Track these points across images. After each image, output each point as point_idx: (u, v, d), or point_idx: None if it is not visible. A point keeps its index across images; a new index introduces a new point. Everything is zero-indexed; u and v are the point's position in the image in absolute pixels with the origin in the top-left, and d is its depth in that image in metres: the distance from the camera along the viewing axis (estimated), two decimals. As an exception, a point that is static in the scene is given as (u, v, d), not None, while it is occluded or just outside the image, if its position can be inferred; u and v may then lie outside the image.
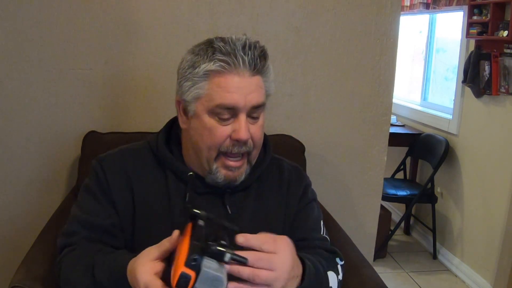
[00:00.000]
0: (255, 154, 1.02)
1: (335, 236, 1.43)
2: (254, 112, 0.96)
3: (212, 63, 0.92)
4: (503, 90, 2.51)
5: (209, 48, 0.94)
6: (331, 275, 0.97)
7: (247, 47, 0.92)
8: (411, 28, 3.98)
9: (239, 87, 0.92)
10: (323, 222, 1.12)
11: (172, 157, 1.04)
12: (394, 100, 2.10)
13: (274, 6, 1.68)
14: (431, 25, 3.59)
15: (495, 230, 2.61)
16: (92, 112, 1.65)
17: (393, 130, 3.20)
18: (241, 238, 0.76)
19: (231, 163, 0.97)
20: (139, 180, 1.03)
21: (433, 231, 3.10)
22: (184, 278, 0.69)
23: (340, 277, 1.02)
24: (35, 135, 1.64)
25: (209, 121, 0.94)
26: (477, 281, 2.75)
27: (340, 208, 1.86)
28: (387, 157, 1.89)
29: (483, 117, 2.74)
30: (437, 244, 3.13)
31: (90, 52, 1.60)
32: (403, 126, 3.56)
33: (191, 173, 1.02)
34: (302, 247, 1.02)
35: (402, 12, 2.12)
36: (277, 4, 1.68)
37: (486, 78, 2.60)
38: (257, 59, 0.93)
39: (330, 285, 0.96)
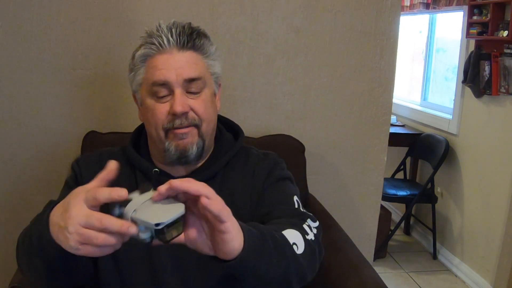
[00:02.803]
0: (206, 128, 1.02)
1: (335, 236, 1.43)
2: (190, 86, 0.99)
3: (142, 48, 0.99)
4: (503, 90, 2.51)
5: (142, 37, 1.01)
6: (290, 232, 0.90)
7: (173, 28, 0.98)
8: (411, 28, 3.98)
9: (168, 63, 0.97)
10: (298, 198, 1.07)
11: (138, 156, 1.07)
12: (394, 100, 2.10)
13: (274, 6, 1.68)
14: (431, 25, 3.59)
15: (495, 230, 2.61)
16: (92, 112, 1.65)
17: (393, 130, 3.20)
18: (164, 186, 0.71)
19: (178, 131, 0.99)
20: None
21: (433, 231, 3.10)
22: None
23: (311, 236, 0.95)
24: (35, 135, 1.64)
25: (150, 102, 1.00)
26: (477, 281, 2.75)
27: (340, 208, 1.86)
28: (387, 157, 1.89)
29: (483, 117, 2.74)
30: (437, 244, 3.13)
31: (90, 52, 1.60)
32: (403, 126, 3.56)
33: (155, 169, 1.05)
34: (266, 221, 0.98)
35: (402, 12, 2.12)
36: (277, 4, 1.68)
37: (486, 78, 2.60)
38: (186, 36, 0.98)
39: (292, 242, 0.89)
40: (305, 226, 0.97)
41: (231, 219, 0.73)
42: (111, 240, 0.69)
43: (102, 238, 0.69)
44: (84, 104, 1.64)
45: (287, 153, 1.58)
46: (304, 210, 1.04)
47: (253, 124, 1.73)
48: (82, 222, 0.69)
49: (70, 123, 1.65)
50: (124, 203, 0.71)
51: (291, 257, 0.86)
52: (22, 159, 1.65)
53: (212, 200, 0.70)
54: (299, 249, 0.89)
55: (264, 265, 0.80)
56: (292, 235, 0.90)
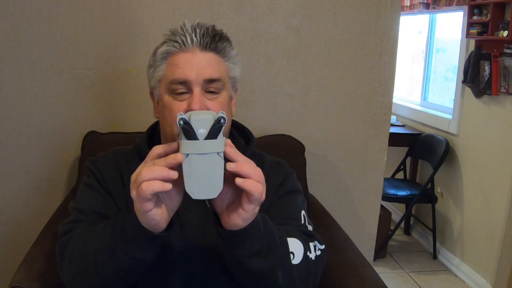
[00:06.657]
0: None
1: (335, 236, 1.43)
2: (209, 86, 0.99)
3: (165, 45, 1.00)
4: (503, 90, 2.51)
5: (165, 35, 1.02)
6: (293, 241, 0.95)
7: (197, 28, 0.99)
8: (411, 28, 3.98)
9: (190, 62, 0.98)
10: (305, 212, 1.10)
11: None
12: (394, 100, 2.10)
13: (274, 6, 1.68)
14: (431, 25, 3.59)
15: (495, 230, 2.61)
16: (92, 112, 1.65)
17: (393, 130, 3.20)
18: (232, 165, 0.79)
19: None
20: (128, 178, 1.04)
21: (433, 231, 3.10)
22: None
23: (312, 256, 0.99)
24: (35, 135, 1.64)
25: (168, 99, 1.00)
26: (477, 281, 2.75)
27: (340, 208, 1.86)
28: (387, 157, 1.89)
29: (483, 117, 2.74)
30: (437, 244, 3.13)
31: (90, 52, 1.60)
32: (403, 126, 3.56)
33: None
34: None
35: (402, 12, 2.12)
36: (277, 4, 1.68)
37: (486, 78, 2.60)
38: (209, 37, 0.99)
39: (291, 250, 0.94)
40: (311, 244, 1.00)
41: (258, 204, 0.80)
42: (158, 170, 0.77)
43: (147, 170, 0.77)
44: (84, 104, 1.64)
45: (287, 153, 1.58)
46: (311, 229, 1.07)
47: (253, 124, 1.73)
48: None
49: (70, 123, 1.65)
50: None
51: (283, 263, 0.91)
52: (22, 159, 1.65)
53: (256, 184, 0.78)
54: (295, 259, 0.94)
55: (249, 250, 0.85)
56: (294, 244, 0.95)
